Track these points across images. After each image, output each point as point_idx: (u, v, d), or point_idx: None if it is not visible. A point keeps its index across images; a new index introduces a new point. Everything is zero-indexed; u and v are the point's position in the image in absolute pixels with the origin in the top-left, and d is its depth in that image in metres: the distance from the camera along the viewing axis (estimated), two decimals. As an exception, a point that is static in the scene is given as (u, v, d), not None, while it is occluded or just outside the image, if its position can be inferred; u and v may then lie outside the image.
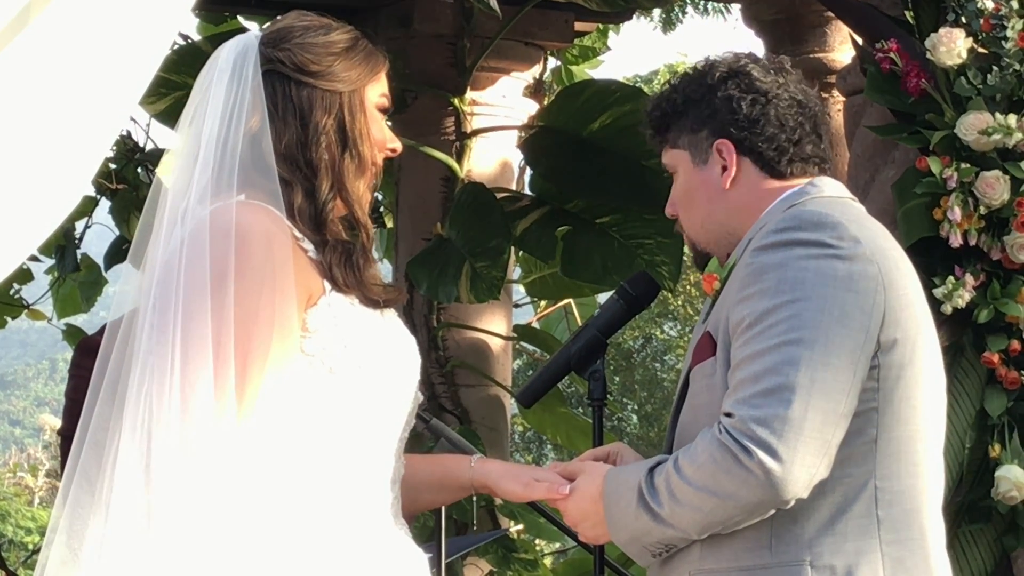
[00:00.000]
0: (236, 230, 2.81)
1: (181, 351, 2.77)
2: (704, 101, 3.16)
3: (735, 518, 2.95)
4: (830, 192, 3.14)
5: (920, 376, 3.04)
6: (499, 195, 7.15)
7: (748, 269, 3.00)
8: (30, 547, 22.60)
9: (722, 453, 2.89)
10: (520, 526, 7.39)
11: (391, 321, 3.03)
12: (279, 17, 3.08)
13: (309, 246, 2.92)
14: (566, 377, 3.53)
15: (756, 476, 2.88)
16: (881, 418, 2.99)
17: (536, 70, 8.15)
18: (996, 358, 4.66)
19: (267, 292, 2.81)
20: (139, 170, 8.35)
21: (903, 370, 3.00)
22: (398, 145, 3.10)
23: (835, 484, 2.95)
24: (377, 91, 3.05)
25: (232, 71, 2.95)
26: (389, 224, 8.46)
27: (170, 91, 6.88)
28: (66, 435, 5.83)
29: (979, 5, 4.69)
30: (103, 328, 2.99)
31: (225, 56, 2.98)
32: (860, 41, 5.06)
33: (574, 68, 9.03)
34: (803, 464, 2.88)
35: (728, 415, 2.92)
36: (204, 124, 2.93)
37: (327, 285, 2.92)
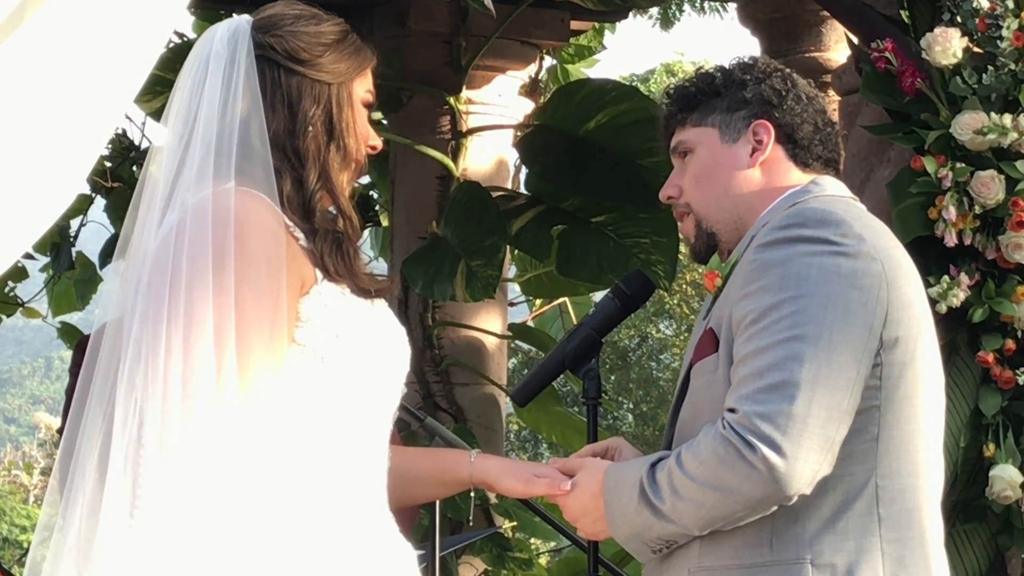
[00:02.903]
0: (236, 216, 2.80)
1: (183, 334, 2.75)
2: (749, 86, 3.20)
3: (737, 514, 2.94)
4: (832, 191, 3.16)
5: (921, 374, 3.04)
6: (495, 194, 7.16)
7: (751, 266, 3.00)
8: (25, 545, 22.58)
9: (725, 448, 2.89)
10: (514, 523, 7.39)
11: (382, 311, 3.02)
12: (269, 5, 3.07)
13: (300, 235, 2.91)
14: (561, 376, 3.53)
15: (759, 471, 2.87)
16: (883, 416, 2.99)
17: (532, 69, 8.15)
18: (991, 357, 4.66)
19: (266, 279, 2.80)
20: (134, 168, 8.35)
21: (905, 368, 3.00)
22: (379, 143, 3.09)
23: (836, 482, 2.95)
24: (363, 86, 3.05)
25: (226, 54, 2.93)
26: (385, 223, 8.46)
27: (165, 89, 6.79)
28: (66, 434, 5.84)
29: (974, 4, 4.69)
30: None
31: (219, 38, 2.96)
32: (855, 40, 5.06)
33: (570, 67, 9.04)
34: (807, 460, 2.88)
35: (731, 410, 2.91)
36: (200, 108, 2.91)
37: (319, 274, 2.91)
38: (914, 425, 3.03)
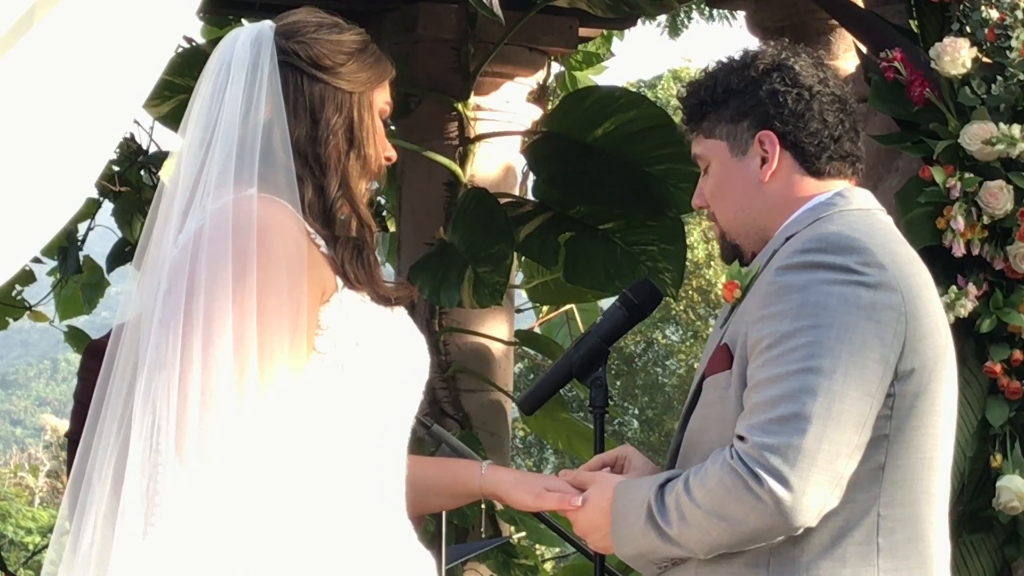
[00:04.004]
0: (258, 223, 2.79)
1: (202, 341, 2.73)
2: (747, 92, 3.12)
3: (742, 542, 2.93)
4: (858, 204, 3.10)
5: (935, 404, 3.01)
6: (502, 200, 7.15)
7: (771, 288, 2.97)
8: (30, 547, 22.59)
9: (733, 479, 2.88)
10: (523, 533, 7.38)
11: (402, 319, 3.01)
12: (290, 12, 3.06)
13: (321, 242, 2.90)
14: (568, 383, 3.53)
15: (766, 504, 2.86)
16: (891, 446, 2.97)
17: (540, 75, 8.15)
18: (998, 368, 4.66)
19: (288, 286, 2.79)
20: (142, 173, 8.36)
21: (917, 399, 2.97)
22: (393, 154, 3.08)
23: (838, 509, 2.92)
24: (382, 97, 3.04)
25: (249, 59, 2.91)
26: (392, 228, 8.46)
27: (174, 94, 6.87)
28: (73, 438, 5.83)
29: (984, 15, 4.69)
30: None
31: (242, 43, 2.94)
32: (864, 49, 5.06)
33: (578, 74, 9.03)
34: (814, 494, 2.86)
35: (741, 439, 2.89)
36: (222, 112, 2.89)
37: (339, 282, 2.90)
38: (923, 454, 3.00)
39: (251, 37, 2.95)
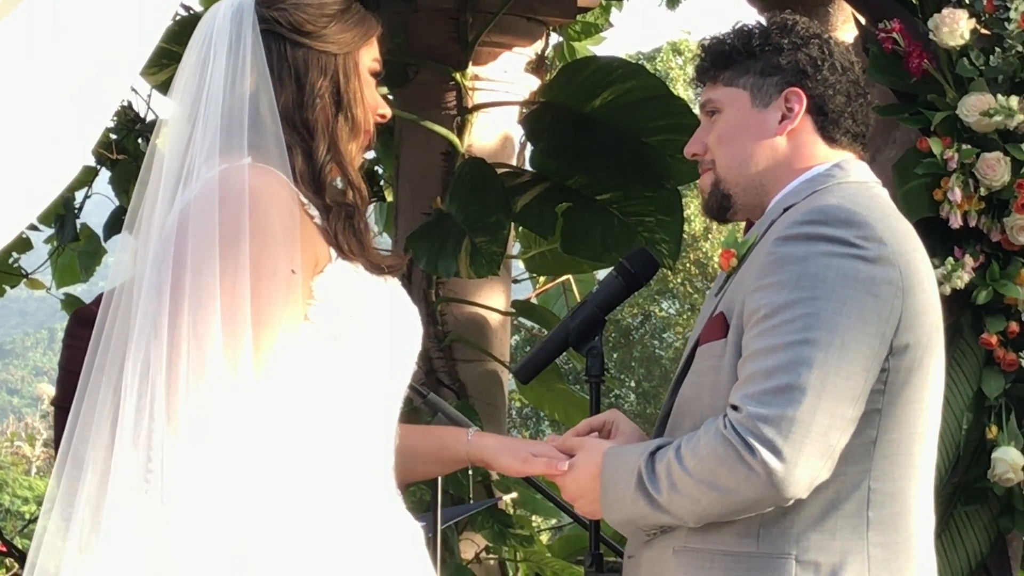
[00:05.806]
0: (250, 192, 2.79)
1: (190, 313, 2.74)
2: (786, 51, 3.16)
3: (733, 512, 2.94)
4: (856, 176, 3.13)
5: (926, 380, 3.03)
6: (499, 170, 7.14)
7: (769, 258, 2.97)
8: (27, 516, 22.61)
9: (726, 448, 2.88)
10: (514, 494, 7.39)
11: (394, 289, 3.02)
12: None
13: (315, 212, 2.91)
14: (564, 353, 3.53)
15: (758, 474, 2.87)
16: (883, 420, 2.98)
17: (538, 46, 8.13)
18: (994, 340, 4.66)
19: (282, 257, 2.80)
20: (139, 140, 8.34)
21: (911, 374, 2.99)
22: (388, 111, 3.09)
23: (829, 482, 2.94)
24: (370, 55, 3.04)
25: (231, 31, 2.93)
26: (389, 198, 8.46)
27: (171, 62, 6.81)
28: (60, 405, 5.83)
29: (982, -14, 4.68)
30: (99, 298, 2.97)
31: (222, 15, 2.96)
32: (863, 20, 5.05)
33: (576, 44, 9.01)
34: (806, 466, 2.87)
35: (735, 408, 2.90)
36: (207, 85, 2.90)
37: (333, 253, 2.91)
38: (912, 429, 3.02)
39: (232, 9, 2.96)
